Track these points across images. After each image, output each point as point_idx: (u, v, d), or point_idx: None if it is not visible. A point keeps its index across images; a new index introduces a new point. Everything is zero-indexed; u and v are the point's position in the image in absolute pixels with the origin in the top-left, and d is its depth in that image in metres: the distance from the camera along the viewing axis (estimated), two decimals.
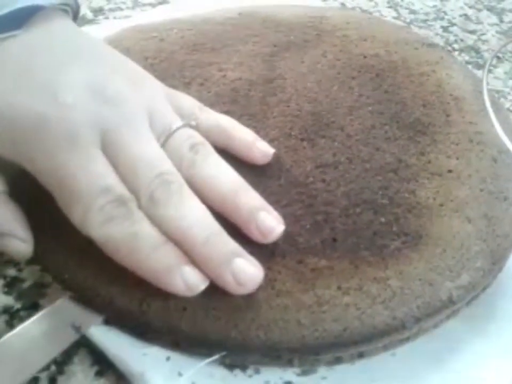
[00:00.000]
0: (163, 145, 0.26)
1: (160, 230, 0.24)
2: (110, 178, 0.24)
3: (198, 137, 0.27)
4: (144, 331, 0.25)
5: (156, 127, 0.26)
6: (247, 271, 0.24)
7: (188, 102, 0.30)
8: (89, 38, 0.29)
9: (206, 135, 0.28)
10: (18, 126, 0.24)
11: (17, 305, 0.28)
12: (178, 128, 0.27)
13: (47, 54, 0.26)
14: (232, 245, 0.24)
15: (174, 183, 0.25)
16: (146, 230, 0.24)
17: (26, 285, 0.28)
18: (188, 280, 0.23)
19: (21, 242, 0.25)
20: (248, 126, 0.31)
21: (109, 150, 0.25)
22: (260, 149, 0.29)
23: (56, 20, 0.28)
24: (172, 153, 0.26)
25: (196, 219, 0.24)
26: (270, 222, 0.25)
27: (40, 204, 0.26)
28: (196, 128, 0.28)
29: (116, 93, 0.26)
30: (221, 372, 0.24)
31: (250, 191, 0.26)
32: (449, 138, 0.31)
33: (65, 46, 0.27)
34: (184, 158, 0.26)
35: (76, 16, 0.31)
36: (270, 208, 0.26)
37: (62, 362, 0.25)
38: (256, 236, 0.25)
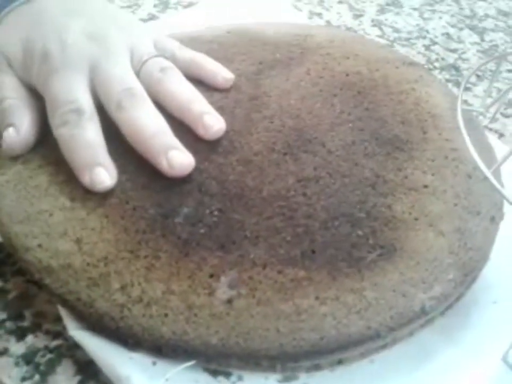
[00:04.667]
0: (138, 72, 0.33)
1: (123, 131, 0.31)
2: (80, 94, 0.31)
3: (168, 63, 0.34)
4: (125, 337, 0.25)
5: (134, 60, 0.34)
6: (178, 159, 0.30)
7: (170, 42, 0.37)
8: None
9: (181, 68, 0.35)
10: (32, 54, 0.32)
11: (3, 316, 0.28)
12: (152, 57, 0.34)
13: (57, 9, 0.34)
14: (173, 140, 0.31)
15: (138, 95, 0.32)
16: (86, 134, 0.30)
17: (11, 295, 0.29)
18: (95, 179, 0.29)
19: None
20: (233, 141, 0.32)
21: (93, 74, 0.32)
22: (222, 75, 0.36)
23: None
24: (144, 76, 0.33)
25: (149, 119, 0.31)
26: (210, 121, 0.32)
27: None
28: (172, 60, 0.35)
29: (105, 36, 0.33)
30: (205, 378, 0.25)
31: (202, 102, 0.33)
32: (425, 154, 0.32)
33: (72, 3, 0.35)
34: (153, 77, 0.33)
35: None
36: (215, 113, 0.33)
37: (45, 372, 0.26)
38: (202, 133, 0.32)
